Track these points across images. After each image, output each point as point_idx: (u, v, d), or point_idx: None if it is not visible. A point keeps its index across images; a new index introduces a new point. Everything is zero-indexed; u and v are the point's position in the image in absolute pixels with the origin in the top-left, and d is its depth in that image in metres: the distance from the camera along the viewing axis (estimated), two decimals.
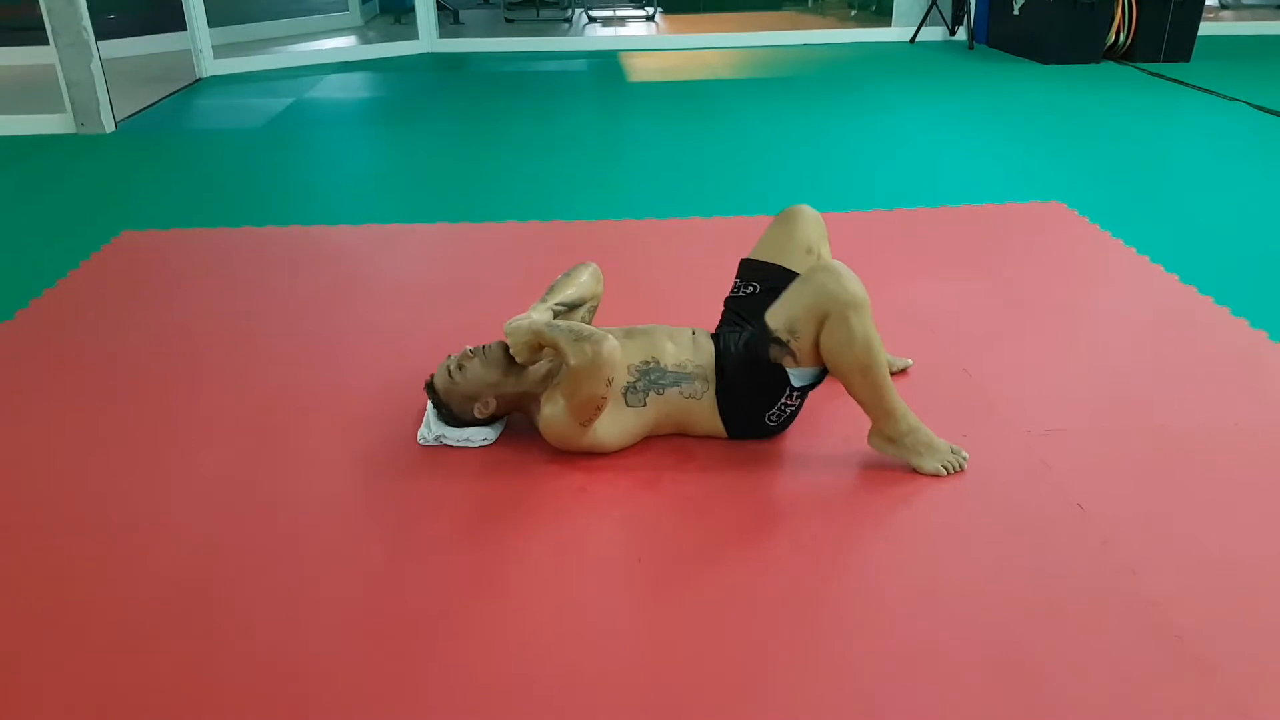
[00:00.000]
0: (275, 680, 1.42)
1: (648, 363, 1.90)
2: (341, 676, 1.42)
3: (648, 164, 4.04)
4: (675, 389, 1.90)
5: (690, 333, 1.98)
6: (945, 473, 1.85)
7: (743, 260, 2.14)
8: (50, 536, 1.73)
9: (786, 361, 1.81)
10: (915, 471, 1.86)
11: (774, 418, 1.91)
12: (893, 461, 1.89)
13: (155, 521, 1.77)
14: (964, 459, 1.87)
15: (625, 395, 1.88)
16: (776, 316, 1.82)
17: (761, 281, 2.07)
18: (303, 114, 4.95)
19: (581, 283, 2.08)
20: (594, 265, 2.14)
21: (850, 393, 1.83)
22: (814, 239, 2.09)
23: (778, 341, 1.80)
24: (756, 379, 1.87)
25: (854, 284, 1.74)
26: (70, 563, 1.66)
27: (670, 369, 1.90)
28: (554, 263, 2.44)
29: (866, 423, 1.88)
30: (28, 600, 1.58)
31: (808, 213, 2.11)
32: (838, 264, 1.78)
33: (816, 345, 1.78)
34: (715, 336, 1.99)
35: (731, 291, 2.13)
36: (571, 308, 2.03)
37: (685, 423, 1.94)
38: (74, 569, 1.65)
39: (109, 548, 1.70)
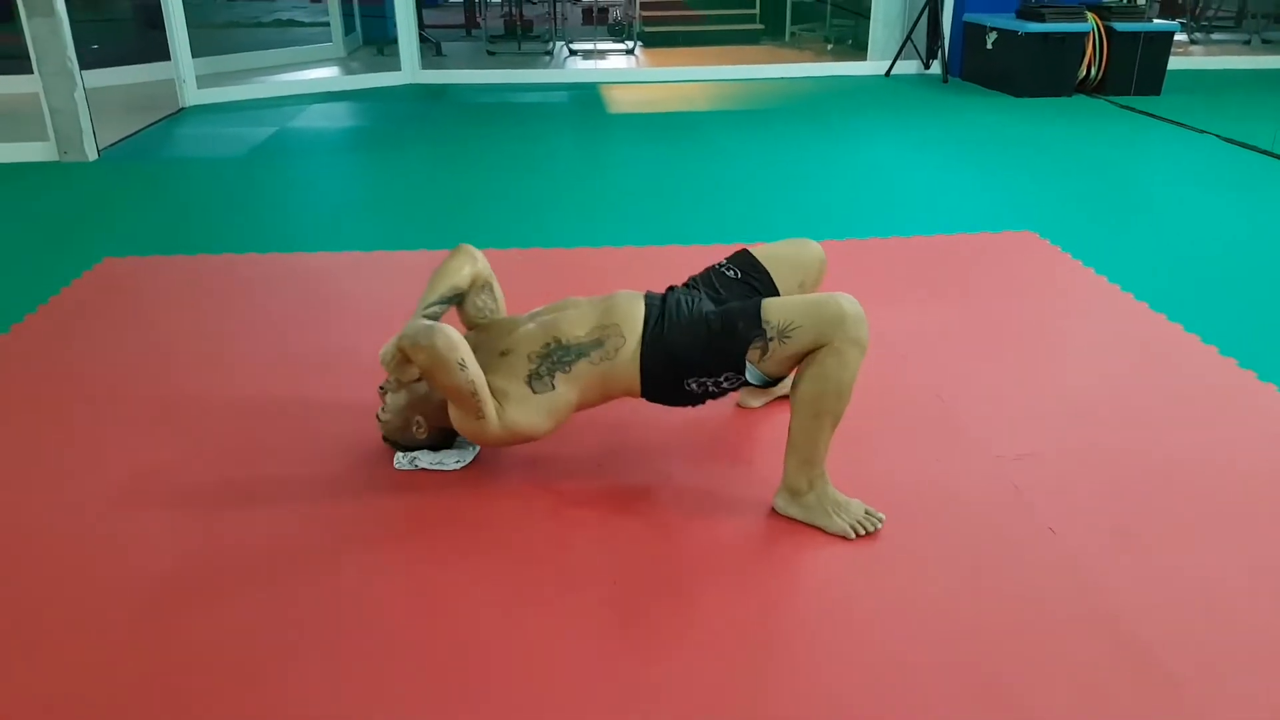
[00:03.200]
0: (247, 699, 1.42)
1: (548, 344, 1.87)
2: (311, 695, 1.43)
3: (627, 193, 4.09)
4: (583, 360, 1.86)
5: (595, 299, 1.94)
6: (853, 534, 1.77)
7: (744, 249, 2.12)
8: (24, 560, 1.73)
9: (753, 354, 1.77)
10: (822, 532, 1.79)
11: (694, 387, 1.85)
12: (863, 488, 1.89)
13: (130, 544, 1.77)
14: (879, 520, 1.79)
15: (530, 383, 1.85)
16: (775, 312, 1.77)
17: (745, 272, 2.06)
18: (285, 143, 4.98)
19: (449, 272, 2.02)
20: (465, 246, 2.09)
21: (791, 425, 1.78)
22: (812, 279, 2.09)
23: (762, 333, 1.76)
24: (713, 345, 1.82)
25: (866, 331, 1.72)
26: (42, 584, 1.66)
27: (571, 344, 1.86)
28: (532, 289, 2.46)
29: (845, 452, 1.87)
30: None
31: (818, 252, 2.11)
32: (859, 308, 1.73)
33: (791, 359, 1.76)
34: (663, 295, 1.96)
35: (713, 265, 2.12)
36: (449, 303, 2.01)
37: (607, 388, 1.89)
38: (46, 590, 1.64)
39: (83, 570, 1.69)
